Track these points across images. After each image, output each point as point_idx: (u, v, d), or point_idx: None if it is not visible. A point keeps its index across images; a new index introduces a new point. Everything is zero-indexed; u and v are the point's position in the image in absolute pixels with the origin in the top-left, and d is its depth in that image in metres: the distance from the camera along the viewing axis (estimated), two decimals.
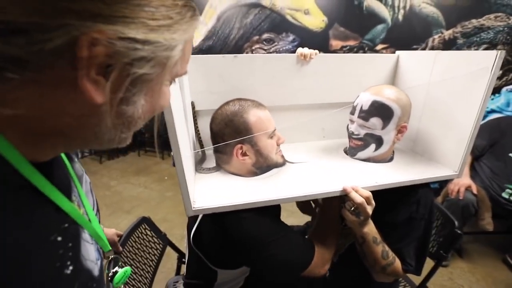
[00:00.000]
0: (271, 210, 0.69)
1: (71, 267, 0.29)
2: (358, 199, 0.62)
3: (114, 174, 2.92)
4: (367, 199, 0.63)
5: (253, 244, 0.62)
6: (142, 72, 0.25)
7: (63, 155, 0.39)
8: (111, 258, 0.45)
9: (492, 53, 0.61)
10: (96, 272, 0.36)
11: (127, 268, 0.48)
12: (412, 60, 0.90)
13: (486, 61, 0.63)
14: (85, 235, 0.36)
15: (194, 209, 0.59)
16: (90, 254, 0.36)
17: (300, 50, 0.86)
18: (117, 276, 0.45)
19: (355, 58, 0.93)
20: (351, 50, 2.44)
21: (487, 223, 1.50)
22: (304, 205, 1.01)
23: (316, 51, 0.87)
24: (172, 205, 2.30)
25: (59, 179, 0.33)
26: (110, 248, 0.43)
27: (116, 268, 0.46)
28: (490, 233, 1.61)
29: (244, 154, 0.70)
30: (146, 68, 0.25)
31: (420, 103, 0.86)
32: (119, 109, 0.27)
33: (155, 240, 1.00)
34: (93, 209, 0.43)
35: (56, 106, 0.24)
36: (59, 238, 0.28)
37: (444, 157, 0.79)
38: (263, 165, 0.72)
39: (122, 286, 0.48)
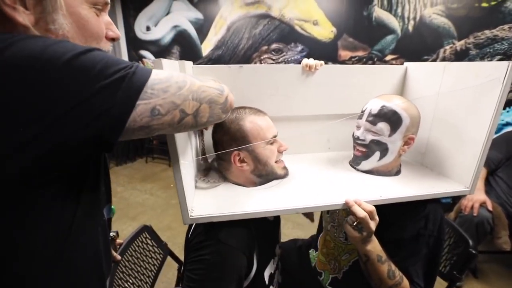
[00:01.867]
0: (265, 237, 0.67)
1: None
2: (361, 213, 0.60)
3: (121, 180, 2.95)
4: (370, 214, 0.60)
5: (196, 262, 0.59)
6: None
7: None
8: None
9: (504, 64, 0.59)
10: None
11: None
12: (420, 72, 0.88)
13: (497, 72, 0.61)
14: None
15: (191, 217, 0.59)
16: None
17: (305, 61, 0.86)
18: None
19: (362, 70, 0.91)
20: (360, 60, 2.42)
21: (504, 242, 1.42)
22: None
23: (322, 62, 0.87)
24: (177, 213, 2.29)
25: None
26: None
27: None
28: (507, 252, 1.52)
29: (242, 161, 0.70)
30: None
31: (429, 116, 0.83)
32: (49, 28, 0.35)
33: (156, 249, 0.99)
34: None
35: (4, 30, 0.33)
36: None
37: (455, 171, 0.75)
38: (262, 172, 0.71)
39: None
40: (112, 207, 0.58)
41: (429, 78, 0.83)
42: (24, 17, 0.33)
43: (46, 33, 0.36)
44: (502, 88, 0.60)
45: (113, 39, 0.45)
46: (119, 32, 0.47)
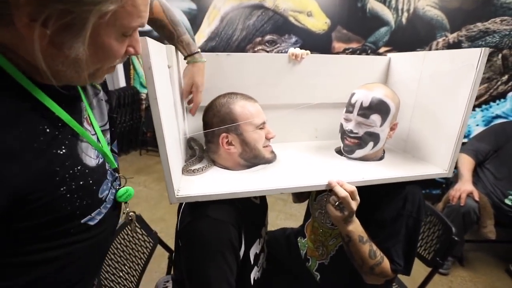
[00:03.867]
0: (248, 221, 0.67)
1: (64, 150, 0.39)
2: (342, 193, 0.61)
3: None
4: (351, 194, 0.62)
5: (190, 243, 0.60)
6: (67, 21, 0.31)
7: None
8: (117, 176, 0.53)
9: (477, 51, 0.62)
10: (92, 163, 0.45)
11: (130, 188, 0.54)
12: (403, 62, 0.90)
13: (471, 58, 0.63)
14: (83, 140, 0.44)
15: (177, 196, 0.60)
16: (89, 152, 0.45)
17: (291, 50, 0.87)
18: (119, 192, 0.52)
19: (347, 59, 0.93)
20: (353, 52, 2.42)
21: (489, 231, 1.46)
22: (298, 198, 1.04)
23: (308, 51, 0.87)
24: (170, 205, 2.30)
25: (63, 98, 0.40)
26: (116, 166, 0.52)
27: (120, 186, 0.53)
28: (493, 241, 1.57)
29: (229, 144, 0.71)
30: (70, 19, 0.31)
31: (410, 103, 0.86)
32: (62, 51, 0.34)
33: (145, 238, 0.99)
34: (107, 127, 0.53)
35: (15, 42, 0.33)
36: (48, 130, 0.37)
37: (434, 156, 0.78)
38: (250, 156, 0.72)
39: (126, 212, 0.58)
40: (123, 188, 0.53)
41: (411, 67, 0.85)
42: (37, 36, 0.31)
43: (56, 53, 0.34)
44: (476, 73, 0.63)
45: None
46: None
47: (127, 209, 0.58)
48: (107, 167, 0.50)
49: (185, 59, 0.73)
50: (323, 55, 0.89)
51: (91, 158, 0.45)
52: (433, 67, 0.77)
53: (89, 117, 0.48)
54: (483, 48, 0.60)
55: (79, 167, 0.41)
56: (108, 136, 0.54)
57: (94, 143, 0.46)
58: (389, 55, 0.94)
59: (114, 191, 0.51)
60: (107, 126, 0.54)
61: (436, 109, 0.77)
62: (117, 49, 0.39)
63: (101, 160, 0.48)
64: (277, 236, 1.06)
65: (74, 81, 0.40)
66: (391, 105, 0.72)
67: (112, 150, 0.55)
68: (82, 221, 0.44)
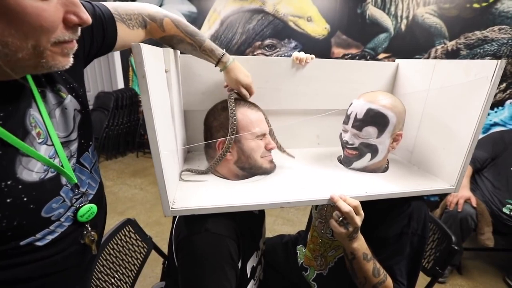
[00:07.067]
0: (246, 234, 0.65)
1: None
2: (346, 208, 0.59)
3: (110, 174, 2.90)
4: (355, 209, 0.60)
5: (189, 257, 0.58)
6: None
7: (32, 85, 0.42)
8: (79, 193, 0.48)
9: (492, 63, 0.59)
10: (32, 178, 0.39)
11: (93, 205, 0.49)
12: (411, 69, 0.88)
13: (486, 70, 0.60)
14: (24, 153, 0.39)
15: (172, 209, 0.57)
16: (31, 165, 0.39)
17: (296, 54, 0.84)
18: (81, 210, 0.47)
19: (353, 65, 0.91)
20: (353, 58, 2.42)
21: (487, 238, 1.45)
22: None
23: (313, 55, 0.85)
24: None
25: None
26: (76, 181, 0.47)
27: (82, 204, 0.48)
28: (491, 249, 1.56)
29: None
30: None
31: (418, 113, 0.83)
32: None
33: (140, 243, 0.97)
34: (72, 138, 0.48)
35: None
36: None
37: (441, 169, 0.76)
38: (245, 165, 0.70)
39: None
40: (87, 206, 0.48)
41: (419, 75, 0.83)
42: None
43: None
44: (490, 86, 0.60)
45: (78, 25, 0.36)
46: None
47: (89, 228, 0.50)
48: (63, 182, 0.44)
49: (216, 66, 0.70)
50: (328, 60, 0.87)
51: (31, 172, 0.39)
52: (444, 76, 0.74)
53: (45, 126, 0.43)
54: (499, 61, 0.58)
55: (8, 182, 0.36)
56: (74, 147, 0.48)
57: (36, 155, 0.40)
58: (397, 61, 0.92)
59: (74, 209, 0.46)
60: (73, 137, 0.48)
61: (445, 120, 0.74)
62: (38, 13, 0.32)
63: (51, 175, 0.42)
64: (274, 243, 1.04)
65: (19, 67, 0.34)
66: (390, 116, 0.69)
67: (79, 163, 0.49)
68: (22, 243, 0.38)
